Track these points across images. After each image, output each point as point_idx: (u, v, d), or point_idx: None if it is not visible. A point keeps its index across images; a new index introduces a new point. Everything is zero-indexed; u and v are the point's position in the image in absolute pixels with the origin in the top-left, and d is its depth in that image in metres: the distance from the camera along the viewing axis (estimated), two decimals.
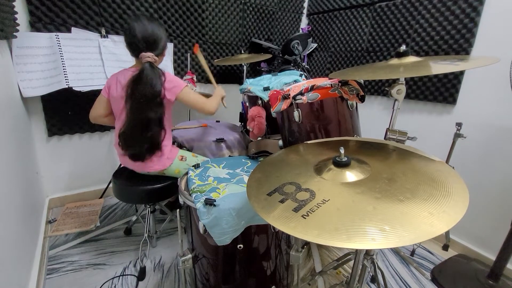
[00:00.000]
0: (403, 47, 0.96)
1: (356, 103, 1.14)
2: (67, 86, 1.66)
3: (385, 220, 0.54)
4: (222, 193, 0.98)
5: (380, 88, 2.11)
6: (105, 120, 1.44)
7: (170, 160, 1.40)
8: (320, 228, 0.55)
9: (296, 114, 1.09)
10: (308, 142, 1.05)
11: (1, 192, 1.05)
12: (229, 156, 1.61)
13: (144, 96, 1.23)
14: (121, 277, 1.39)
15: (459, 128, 1.46)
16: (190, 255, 1.08)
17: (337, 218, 0.56)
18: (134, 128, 1.28)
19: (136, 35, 1.23)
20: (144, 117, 1.26)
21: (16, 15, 1.49)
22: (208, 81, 2.33)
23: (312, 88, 1.06)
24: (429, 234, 0.50)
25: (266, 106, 1.37)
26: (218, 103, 1.51)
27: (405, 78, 0.96)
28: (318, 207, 0.60)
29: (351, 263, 1.17)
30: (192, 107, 1.39)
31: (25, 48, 1.58)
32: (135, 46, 1.25)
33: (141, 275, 1.40)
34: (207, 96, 1.55)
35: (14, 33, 1.48)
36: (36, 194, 1.69)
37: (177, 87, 1.31)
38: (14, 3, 1.48)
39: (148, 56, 1.25)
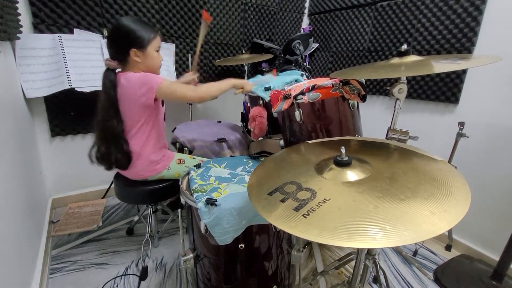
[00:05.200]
0: (405, 46, 0.96)
1: (358, 103, 1.13)
2: (69, 87, 1.67)
3: (386, 219, 0.54)
4: (223, 192, 0.98)
5: (381, 88, 2.10)
6: None
7: (163, 166, 1.37)
8: (321, 227, 0.55)
9: (297, 114, 1.09)
10: (309, 141, 1.04)
11: (4, 192, 1.06)
12: (231, 156, 1.61)
13: (101, 105, 1.21)
14: (123, 276, 1.40)
15: (461, 127, 1.45)
16: (191, 255, 1.08)
17: (338, 217, 0.56)
18: (101, 140, 1.25)
19: None
20: (107, 126, 1.21)
21: (19, 17, 1.51)
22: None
23: (313, 88, 1.06)
24: (430, 233, 0.50)
25: (267, 106, 1.37)
26: (217, 90, 1.30)
27: (406, 78, 0.95)
28: (319, 207, 0.60)
29: (353, 263, 1.17)
30: (176, 99, 1.24)
31: (28, 49, 1.59)
32: None
33: (143, 274, 1.40)
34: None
35: (17, 35, 1.49)
36: (39, 194, 1.70)
37: (152, 87, 1.17)
38: (17, 5, 1.49)
39: (106, 60, 1.23)
